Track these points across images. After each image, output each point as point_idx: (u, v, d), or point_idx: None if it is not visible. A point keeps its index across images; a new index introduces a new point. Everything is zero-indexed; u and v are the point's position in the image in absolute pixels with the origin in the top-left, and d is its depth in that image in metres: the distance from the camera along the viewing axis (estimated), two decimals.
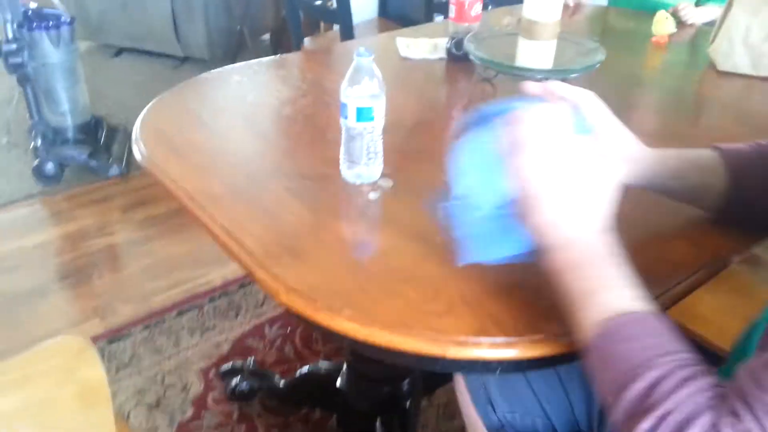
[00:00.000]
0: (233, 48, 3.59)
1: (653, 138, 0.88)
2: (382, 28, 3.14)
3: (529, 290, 0.77)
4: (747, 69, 1.53)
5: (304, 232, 0.90)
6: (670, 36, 1.79)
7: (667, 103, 1.47)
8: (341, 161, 1.01)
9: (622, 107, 0.89)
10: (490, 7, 2.25)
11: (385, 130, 1.01)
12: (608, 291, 0.62)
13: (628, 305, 0.60)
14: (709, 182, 0.86)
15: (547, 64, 1.38)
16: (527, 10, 1.35)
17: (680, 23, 1.89)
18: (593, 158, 0.69)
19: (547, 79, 1.31)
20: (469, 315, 0.74)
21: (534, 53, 1.37)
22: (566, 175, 0.67)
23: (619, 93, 1.48)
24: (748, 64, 1.53)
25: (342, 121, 0.98)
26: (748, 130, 1.30)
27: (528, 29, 1.36)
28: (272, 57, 1.63)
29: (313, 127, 1.25)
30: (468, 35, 1.46)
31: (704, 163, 0.87)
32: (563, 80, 1.33)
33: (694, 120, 1.42)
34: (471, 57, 1.40)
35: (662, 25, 1.78)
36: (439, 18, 3.08)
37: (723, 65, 1.56)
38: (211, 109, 1.31)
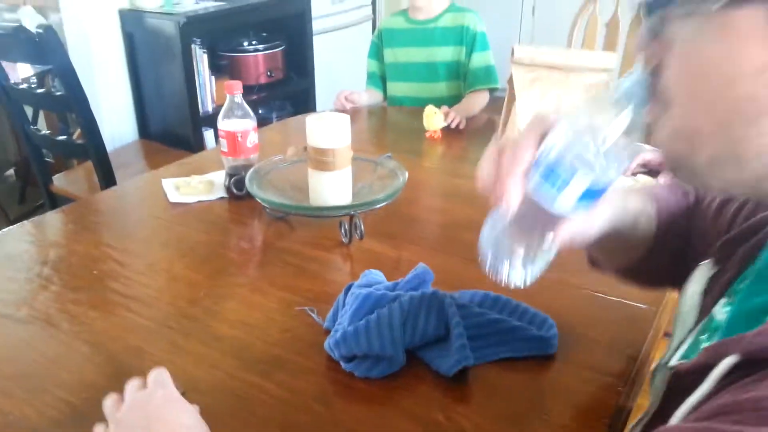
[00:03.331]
0: None
1: None
2: (147, 151, 2.82)
3: None
4: None
5: None
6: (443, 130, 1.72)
7: (479, 209, 1.34)
8: None
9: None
10: None
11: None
12: None
13: None
14: (643, 234, 0.75)
15: (346, 196, 1.18)
16: (313, 138, 1.15)
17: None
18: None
19: (350, 213, 1.12)
20: None
21: (329, 186, 1.17)
22: None
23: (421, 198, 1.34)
24: None
25: None
26: None
27: (317, 160, 1.15)
28: None
29: None
30: (249, 172, 1.23)
31: (640, 216, 0.75)
32: (366, 214, 1.16)
33: None
34: (257, 200, 1.17)
35: (431, 119, 1.72)
36: (208, 132, 2.83)
37: None
38: None
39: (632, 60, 2.08)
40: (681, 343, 0.60)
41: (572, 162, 0.54)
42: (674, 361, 0.57)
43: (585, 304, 0.99)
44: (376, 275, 0.97)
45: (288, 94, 3.35)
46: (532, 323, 0.87)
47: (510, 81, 1.50)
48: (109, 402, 0.68)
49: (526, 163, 0.57)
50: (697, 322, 0.60)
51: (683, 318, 0.63)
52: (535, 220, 0.58)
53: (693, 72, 0.46)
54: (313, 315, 0.94)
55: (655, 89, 0.51)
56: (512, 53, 1.47)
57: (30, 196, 3.30)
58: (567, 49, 1.67)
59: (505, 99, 1.55)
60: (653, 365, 0.66)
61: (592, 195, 0.55)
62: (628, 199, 0.73)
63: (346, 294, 0.93)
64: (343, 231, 1.15)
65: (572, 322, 0.91)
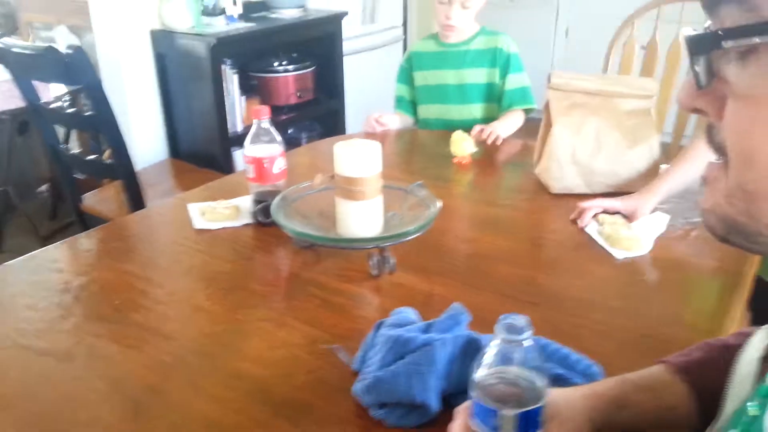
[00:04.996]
0: (0, 211, 3.04)
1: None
2: (176, 171, 2.81)
3: None
4: (582, 189, 1.42)
5: None
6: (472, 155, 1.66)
7: (513, 240, 1.29)
8: None
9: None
10: None
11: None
12: None
13: None
14: (668, 403, 0.69)
15: (376, 227, 1.14)
16: (341, 166, 1.11)
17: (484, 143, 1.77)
18: None
19: (380, 246, 1.08)
20: None
21: (358, 216, 1.13)
22: None
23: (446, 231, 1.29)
24: (581, 184, 1.42)
25: None
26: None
27: (346, 189, 1.11)
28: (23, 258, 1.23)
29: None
30: (275, 200, 1.19)
31: (652, 383, 0.70)
32: (396, 246, 1.11)
33: (551, 260, 1.25)
34: (284, 231, 1.13)
35: (460, 145, 1.65)
36: (237, 152, 2.82)
37: (556, 188, 1.43)
38: None
39: (671, 86, 2.02)
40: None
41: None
42: None
43: (633, 347, 0.93)
44: (408, 314, 0.92)
45: (317, 114, 3.33)
46: (576, 370, 0.81)
47: (546, 107, 1.45)
48: None
49: None
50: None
51: (738, 386, 0.57)
52: None
53: (750, 129, 0.41)
54: (340, 355, 0.90)
55: (712, 141, 0.45)
56: (549, 79, 1.43)
57: (61, 213, 3.32)
58: (606, 75, 1.61)
59: (542, 125, 1.50)
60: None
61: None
62: (601, 390, 0.69)
63: (375, 333, 0.88)
64: (372, 263, 1.11)
65: (621, 368, 0.85)
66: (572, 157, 1.41)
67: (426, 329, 0.86)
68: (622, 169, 1.39)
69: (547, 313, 1.00)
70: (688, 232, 1.26)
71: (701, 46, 0.42)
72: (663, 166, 1.38)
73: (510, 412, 0.59)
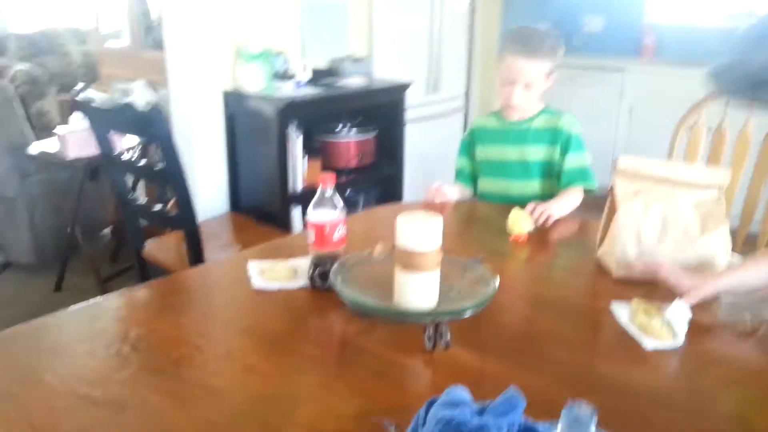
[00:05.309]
0: (63, 250, 3.15)
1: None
2: (236, 225, 2.88)
3: None
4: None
5: None
6: (529, 233, 1.65)
7: (571, 323, 1.26)
8: None
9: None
10: None
11: None
12: None
13: None
14: None
15: (432, 300, 1.13)
16: (403, 238, 1.12)
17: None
18: None
19: (436, 320, 1.07)
20: None
21: (415, 288, 1.12)
22: None
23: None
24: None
25: None
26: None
27: (405, 261, 1.12)
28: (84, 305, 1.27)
29: None
30: (334, 266, 1.20)
31: None
32: (452, 321, 1.10)
33: (609, 347, 1.21)
34: (340, 297, 1.13)
35: (518, 224, 1.64)
36: (296, 209, 2.87)
37: (618, 272, 1.40)
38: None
39: (739, 172, 1.98)
40: None
41: None
42: None
43: None
44: (461, 394, 0.90)
45: (377, 179, 3.39)
46: None
47: (611, 191, 1.44)
48: None
49: None
50: None
51: None
52: None
53: None
54: (391, 429, 0.88)
55: None
56: (616, 164, 1.42)
57: (122, 257, 3.42)
58: (674, 162, 1.59)
59: (606, 209, 1.48)
60: None
61: None
62: None
63: (427, 411, 0.86)
64: (427, 337, 1.10)
65: None
66: (637, 241, 1.38)
67: (480, 412, 0.84)
68: (689, 257, 1.36)
69: (607, 402, 0.97)
70: (756, 328, 1.21)
71: None
72: (731, 258, 1.34)
73: None
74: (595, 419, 0.57)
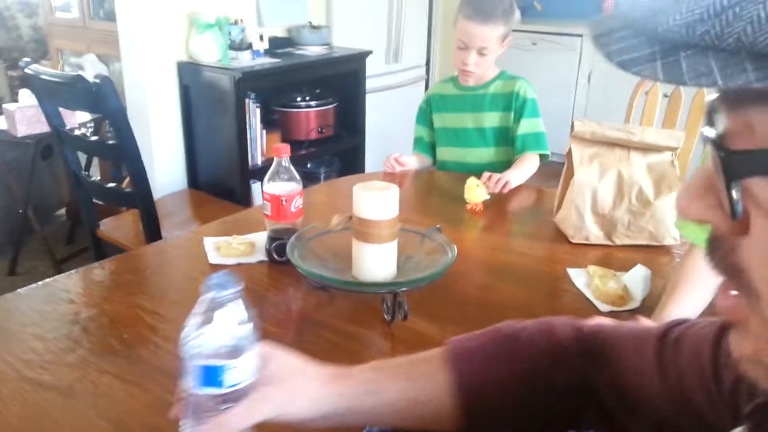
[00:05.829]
0: (16, 233, 3.06)
1: None
2: (194, 201, 2.83)
3: None
4: (602, 239, 1.39)
5: None
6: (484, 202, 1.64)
7: (529, 290, 1.26)
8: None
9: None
10: None
11: None
12: None
13: None
14: (422, 395, 0.63)
15: (391, 271, 1.12)
16: (359, 209, 1.10)
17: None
18: None
19: (395, 291, 1.06)
20: None
21: (373, 259, 1.11)
22: None
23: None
24: (601, 235, 1.39)
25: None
26: None
27: (362, 231, 1.10)
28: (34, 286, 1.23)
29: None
30: (290, 239, 1.18)
31: (411, 370, 0.65)
32: (410, 291, 1.10)
33: (567, 313, 1.22)
34: (297, 269, 1.11)
35: (473, 192, 1.63)
36: (256, 184, 2.83)
37: (576, 237, 1.41)
38: None
39: (694, 137, 2.00)
40: None
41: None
42: None
43: None
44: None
45: (338, 150, 3.35)
46: None
47: (568, 155, 1.43)
48: None
49: None
50: None
51: None
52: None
53: None
54: None
55: (722, 262, 0.37)
56: (572, 127, 1.41)
57: (78, 237, 3.34)
58: (630, 126, 1.59)
59: (563, 174, 1.48)
60: None
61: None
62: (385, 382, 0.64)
63: None
64: (385, 308, 1.09)
65: None
66: (593, 207, 1.39)
67: None
68: (644, 221, 1.37)
69: None
70: None
71: (744, 167, 0.32)
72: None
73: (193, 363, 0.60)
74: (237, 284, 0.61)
